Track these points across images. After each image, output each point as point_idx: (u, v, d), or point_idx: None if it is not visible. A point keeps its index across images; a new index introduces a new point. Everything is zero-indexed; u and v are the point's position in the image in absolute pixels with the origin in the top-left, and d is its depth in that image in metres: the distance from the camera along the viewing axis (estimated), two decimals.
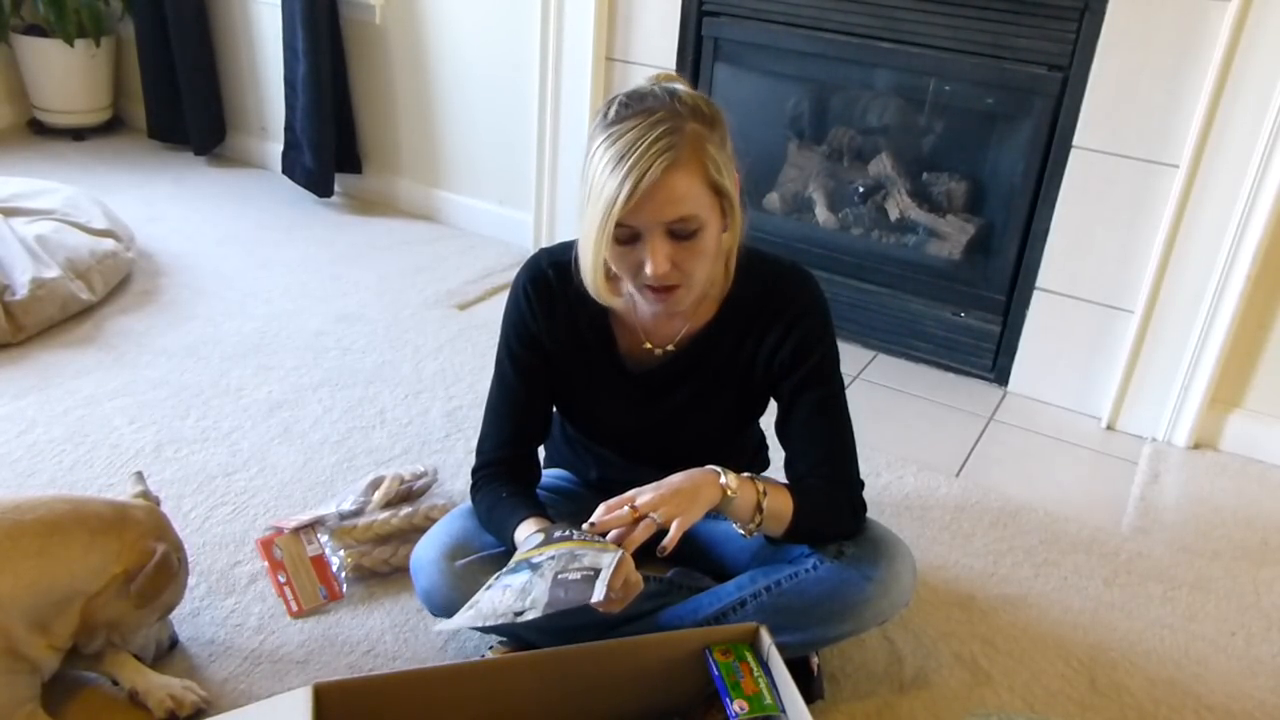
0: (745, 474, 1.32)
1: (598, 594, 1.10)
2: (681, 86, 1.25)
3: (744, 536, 1.36)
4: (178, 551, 1.40)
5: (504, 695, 1.24)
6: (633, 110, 1.20)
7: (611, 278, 1.32)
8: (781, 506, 1.32)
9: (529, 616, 1.10)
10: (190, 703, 1.38)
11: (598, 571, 1.13)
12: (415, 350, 2.45)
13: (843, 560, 1.37)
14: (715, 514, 1.32)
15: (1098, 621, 1.71)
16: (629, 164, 1.16)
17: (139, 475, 1.49)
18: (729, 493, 1.27)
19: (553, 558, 1.17)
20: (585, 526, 1.22)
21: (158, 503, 1.47)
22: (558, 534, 1.23)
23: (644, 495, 1.23)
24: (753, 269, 1.38)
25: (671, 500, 1.22)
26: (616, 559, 1.15)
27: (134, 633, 1.39)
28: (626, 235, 1.21)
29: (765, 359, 1.39)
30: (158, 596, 1.33)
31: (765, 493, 1.30)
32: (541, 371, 1.43)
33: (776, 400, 1.44)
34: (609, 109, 1.22)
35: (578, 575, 1.13)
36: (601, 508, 1.23)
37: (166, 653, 1.47)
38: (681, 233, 1.21)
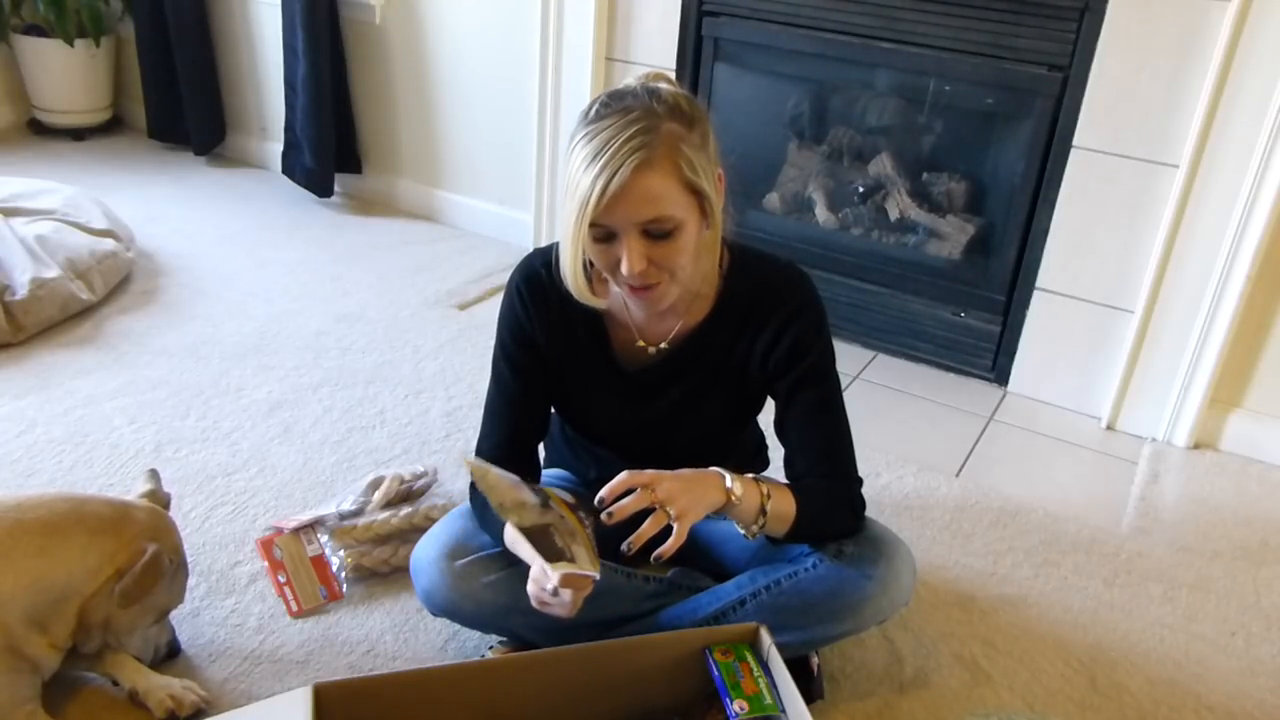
0: (749, 475, 1.32)
1: (551, 580, 1.15)
2: (665, 85, 1.25)
3: (746, 538, 1.36)
4: (175, 554, 1.39)
5: (504, 695, 1.24)
6: (611, 109, 1.20)
7: (600, 277, 1.32)
8: (785, 508, 1.32)
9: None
10: (190, 703, 1.38)
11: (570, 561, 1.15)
12: (415, 350, 2.45)
13: (842, 559, 1.37)
14: (718, 513, 1.31)
15: (1098, 621, 1.71)
16: (600, 163, 1.17)
17: (152, 474, 1.48)
18: (733, 499, 1.26)
19: (561, 517, 1.18)
20: (597, 499, 1.18)
21: (168, 502, 1.46)
22: (568, 501, 1.22)
23: (664, 484, 1.20)
24: (748, 266, 1.38)
25: (686, 495, 1.20)
26: (589, 577, 1.16)
27: (128, 634, 1.38)
28: (602, 234, 1.22)
29: (760, 356, 1.39)
30: (143, 597, 1.32)
31: (769, 495, 1.29)
32: (537, 371, 1.43)
33: (773, 398, 1.44)
34: (591, 107, 1.23)
35: (559, 545, 1.16)
36: (625, 476, 1.19)
37: (165, 659, 1.46)
38: (657, 232, 1.21)
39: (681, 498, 1.20)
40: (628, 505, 1.17)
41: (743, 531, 1.33)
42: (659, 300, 1.29)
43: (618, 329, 1.42)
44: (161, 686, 1.38)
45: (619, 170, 1.16)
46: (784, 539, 1.36)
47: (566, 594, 1.17)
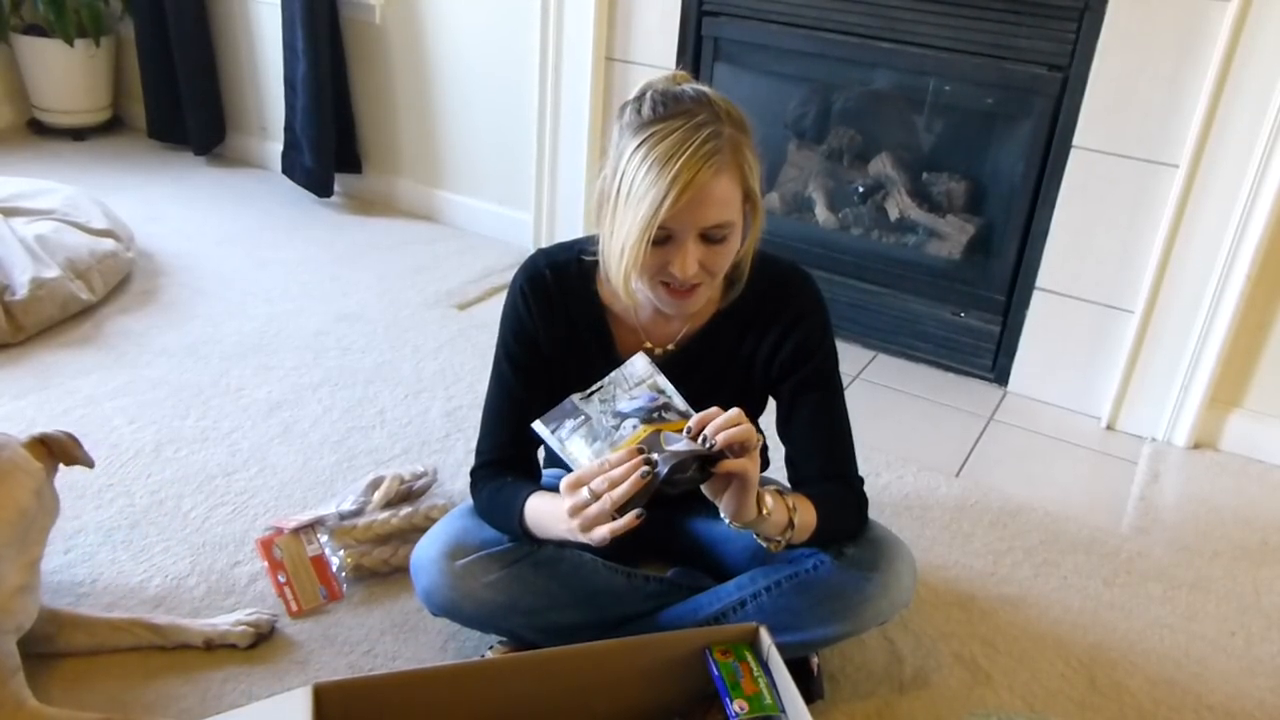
0: (773, 487, 1.30)
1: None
2: (706, 89, 1.24)
3: (770, 549, 1.31)
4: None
5: (504, 695, 1.24)
6: (670, 110, 1.19)
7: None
8: (808, 519, 1.30)
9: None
10: (264, 621, 1.54)
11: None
12: (415, 350, 2.45)
13: (843, 560, 1.37)
14: (744, 528, 1.28)
15: (1098, 621, 1.71)
16: (676, 167, 1.15)
17: None
18: (764, 511, 1.23)
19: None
20: (694, 427, 1.16)
21: None
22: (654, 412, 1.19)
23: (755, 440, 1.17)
24: (752, 268, 1.38)
25: (755, 464, 1.18)
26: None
27: (54, 523, 1.48)
28: (660, 237, 1.20)
29: (765, 359, 1.39)
30: (86, 454, 1.47)
31: (795, 508, 1.27)
32: (540, 372, 1.43)
33: (776, 400, 1.44)
34: (641, 107, 1.21)
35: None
36: (736, 412, 1.15)
37: None
38: (713, 237, 1.21)
39: (755, 459, 1.17)
40: (733, 433, 1.13)
41: (765, 544, 1.30)
42: (696, 303, 1.29)
43: (623, 330, 1.42)
44: (229, 625, 1.52)
45: (697, 174, 1.15)
46: (799, 545, 1.35)
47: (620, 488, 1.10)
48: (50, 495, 1.43)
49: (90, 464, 1.49)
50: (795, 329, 1.36)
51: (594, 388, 1.24)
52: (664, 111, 1.19)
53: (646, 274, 1.25)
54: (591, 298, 1.39)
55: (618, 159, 1.21)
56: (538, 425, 1.23)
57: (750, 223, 1.27)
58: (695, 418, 1.16)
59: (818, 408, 1.39)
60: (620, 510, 1.11)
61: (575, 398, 1.23)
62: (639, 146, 1.18)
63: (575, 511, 1.14)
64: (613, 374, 1.24)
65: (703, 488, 1.19)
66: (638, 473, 1.10)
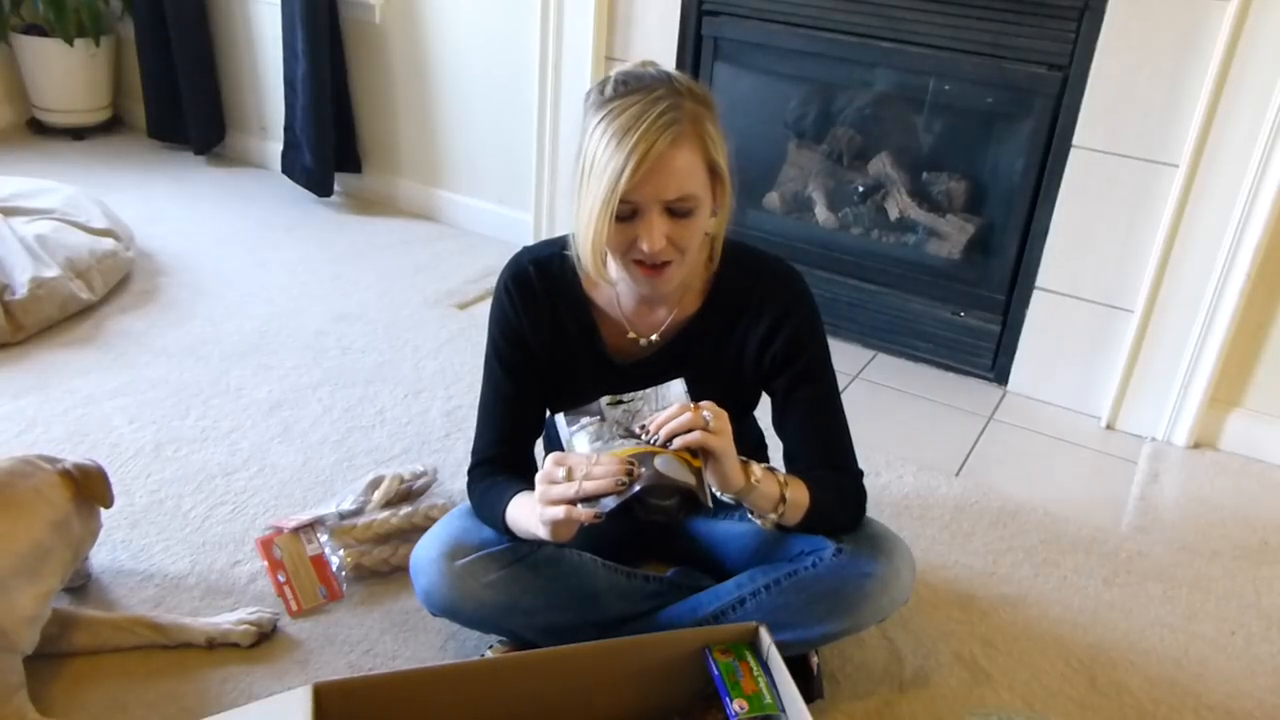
0: (765, 465, 1.31)
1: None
2: (672, 70, 1.26)
3: (764, 528, 1.33)
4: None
5: (504, 695, 1.24)
6: (631, 88, 1.21)
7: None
8: (801, 497, 1.32)
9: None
10: (266, 620, 1.53)
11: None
12: (415, 350, 2.45)
13: (841, 557, 1.37)
14: (723, 514, 1.29)
15: (1098, 621, 1.71)
16: (634, 138, 1.17)
17: None
18: (753, 479, 1.25)
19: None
20: (649, 426, 1.19)
21: None
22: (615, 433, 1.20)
23: (711, 412, 1.19)
24: (740, 261, 1.38)
25: (725, 431, 1.19)
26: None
27: (89, 549, 1.51)
28: (626, 212, 1.21)
29: (754, 353, 1.39)
30: (110, 494, 1.47)
31: (787, 483, 1.30)
32: (530, 369, 1.43)
33: (770, 396, 1.44)
34: (604, 87, 1.23)
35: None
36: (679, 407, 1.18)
37: (84, 584, 1.59)
38: (679, 211, 1.22)
39: (722, 430, 1.19)
40: (675, 423, 1.16)
41: (759, 522, 1.32)
42: (668, 281, 1.29)
43: (608, 323, 1.42)
44: (232, 624, 1.51)
45: (654, 144, 1.17)
46: (795, 528, 1.36)
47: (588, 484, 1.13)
48: (76, 527, 1.42)
49: (108, 504, 1.48)
50: (785, 322, 1.36)
51: (627, 397, 1.24)
52: (624, 89, 1.21)
53: (617, 252, 1.26)
54: (575, 291, 1.40)
55: (581, 137, 1.23)
56: (559, 418, 1.25)
57: (719, 199, 1.28)
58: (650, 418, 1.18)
59: (812, 402, 1.39)
60: (585, 502, 1.14)
61: (604, 400, 1.24)
62: (599, 123, 1.20)
63: (545, 480, 1.17)
64: (648, 390, 1.24)
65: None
66: (614, 478, 1.12)
